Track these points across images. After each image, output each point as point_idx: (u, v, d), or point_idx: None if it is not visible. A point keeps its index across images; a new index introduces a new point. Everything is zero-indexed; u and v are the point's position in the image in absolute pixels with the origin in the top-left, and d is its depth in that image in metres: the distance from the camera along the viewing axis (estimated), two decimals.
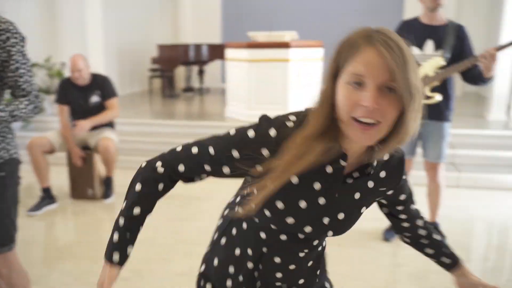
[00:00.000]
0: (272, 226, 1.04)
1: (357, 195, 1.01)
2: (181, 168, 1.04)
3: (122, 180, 4.44)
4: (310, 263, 1.16)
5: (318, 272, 1.21)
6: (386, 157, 0.99)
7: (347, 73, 0.84)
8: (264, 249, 1.09)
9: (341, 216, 1.02)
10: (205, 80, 9.77)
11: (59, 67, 6.93)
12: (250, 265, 1.12)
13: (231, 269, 1.15)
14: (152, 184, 1.05)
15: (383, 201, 1.15)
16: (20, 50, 1.71)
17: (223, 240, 1.18)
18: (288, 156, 0.89)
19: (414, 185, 3.64)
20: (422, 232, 1.21)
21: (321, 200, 0.98)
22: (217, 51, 8.72)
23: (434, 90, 2.74)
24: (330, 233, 1.05)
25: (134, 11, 9.40)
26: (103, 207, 3.89)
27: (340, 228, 1.05)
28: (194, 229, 3.39)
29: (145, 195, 1.06)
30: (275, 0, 9.67)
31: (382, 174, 1.01)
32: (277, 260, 1.10)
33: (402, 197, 1.12)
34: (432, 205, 3.07)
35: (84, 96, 3.92)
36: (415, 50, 2.77)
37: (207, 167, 1.01)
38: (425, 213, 3.16)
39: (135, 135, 5.53)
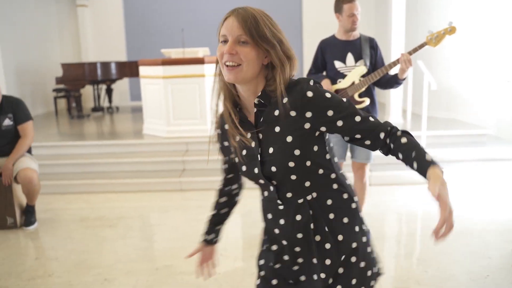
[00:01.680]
0: (251, 183, 1.34)
1: (276, 129, 1.23)
2: None
3: (42, 206, 4.26)
4: (298, 217, 1.28)
5: (312, 226, 1.27)
6: (284, 90, 1.21)
7: (220, 37, 1.21)
8: (263, 208, 1.40)
9: (271, 150, 1.23)
10: (113, 98, 9.53)
11: None
12: (265, 223, 1.42)
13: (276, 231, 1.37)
14: None
15: (324, 128, 1.21)
16: None
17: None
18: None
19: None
20: (392, 145, 1.21)
21: (253, 144, 1.26)
22: (125, 69, 8.59)
23: (361, 95, 3.09)
24: (273, 168, 1.23)
25: (31, 29, 8.90)
26: (26, 235, 3.68)
27: (275, 161, 1.23)
28: (129, 247, 3.36)
29: None
30: (183, 17, 9.79)
31: (284, 100, 1.19)
32: (269, 216, 1.36)
33: (330, 113, 1.18)
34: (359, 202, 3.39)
35: None
36: (339, 64, 3.09)
37: (227, 175, 1.54)
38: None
39: (48, 159, 5.26)
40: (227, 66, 1.18)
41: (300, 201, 1.27)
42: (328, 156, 1.28)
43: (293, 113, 1.19)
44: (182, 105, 5.63)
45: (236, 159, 1.33)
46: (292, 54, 1.23)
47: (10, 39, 7.95)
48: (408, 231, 3.72)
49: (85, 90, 9.33)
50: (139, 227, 3.83)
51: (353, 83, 3.07)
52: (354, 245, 1.31)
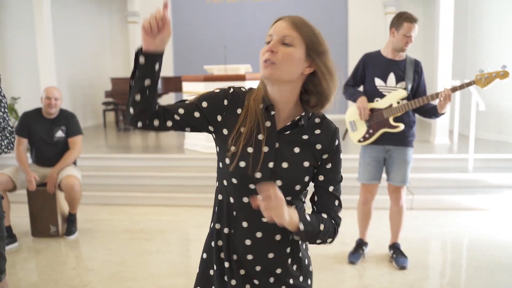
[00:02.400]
0: (233, 180, 1.23)
1: (296, 149, 1.23)
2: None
3: (84, 217, 4.39)
4: (277, 236, 1.26)
5: (288, 251, 1.29)
6: (317, 120, 1.26)
7: (266, 37, 1.21)
8: (234, 213, 1.27)
9: (285, 165, 1.21)
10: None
11: (10, 102, 6.74)
12: (226, 230, 1.29)
13: (212, 241, 1.34)
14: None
15: (315, 170, 1.27)
16: None
17: (211, 224, 1.36)
18: (243, 111, 1.24)
19: (379, 209, 3.81)
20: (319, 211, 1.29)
21: (265, 149, 1.21)
22: (171, 84, 8.81)
23: (396, 119, 2.99)
24: (278, 182, 1.20)
25: (86, 44, 9.35)
26: (66, 244, 3.80)
27: (286, 175, 1.21)
28: (163, 262, 3.39)
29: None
30: (226, 34, 9.96)
31: (317, 131, 1.25)
32: (245, 224, 1.26)
33: (329, 165, 1.26)
34: (394, 227, 3.27)
35: (48, 130, 3.87)
36: (379, 82, 3.02)
37: (181, 110, 1.26)
38: (387, 235, 3.36)
39: (93, 170, 5.45)
40: (265, 62, 1.16)
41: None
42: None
43: (318, 147, 1.25)
44: None
45: (232, 148, 1.22)
46: (335, 72, 1.21)
47: (64, 54, 8.37)
48: (452, 260, 3.53)
49: None
50: (175, 242, 3.86)
51: (390, 105, 2.98)
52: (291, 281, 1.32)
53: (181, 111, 1.25)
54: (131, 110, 1.20)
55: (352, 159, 4.98)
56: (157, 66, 1.18)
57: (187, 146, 6.22)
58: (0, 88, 1.79)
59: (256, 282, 1.29)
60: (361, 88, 3.22)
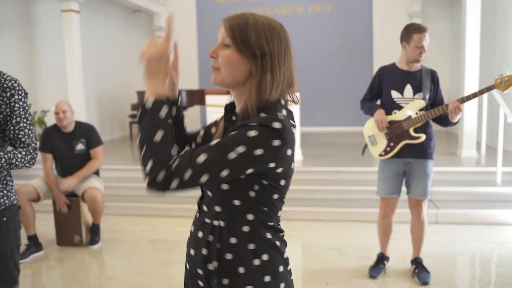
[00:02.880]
0: None
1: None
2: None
3: (108, 227, 4.47)
4: (200, 234, 1.23)
5: (203, 252, 1.20)
6: (262, 114, 1.11)
7: None
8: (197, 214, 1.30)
9: None
10: (185, 125, 9.90)
11: (40, 115, 6.96)
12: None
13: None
14: None
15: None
16: (22, 106, 1.83)
17: None
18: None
19: (401, 223, 3.73)
20: None
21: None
22: (195, 97, 8.91)
23: (416, 130, 2.95)
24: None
25: (114, 59, 9.60)
26: (90, 253, 3.87)
27: None
28: (183, 273, 3.39)
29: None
30: None
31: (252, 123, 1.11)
32: (197, 215, 1.30)
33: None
34: (416, 241, 3.19)
35: (68, 144, 3.97)
36: (396, 94, 2.99)
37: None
38: (410, 250, 3.29)
39: (117, 181, 5.55)
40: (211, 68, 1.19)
41: (208, 221, 1.21)
42: (253, 194, 1.14)
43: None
44: None
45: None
46: (276, 71, 1.13)
47: (93, 68, 8.61)
48: (478, 277, 3.41)
49: None
50: None
51: (409, 116, 2.94)
52: None
53: (198, 132, 1.41)
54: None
55: (370, 172, 4.95)
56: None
57: None
58: (26, 105, 1.86)
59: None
60: (378, 102, 3.19)
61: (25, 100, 1.85)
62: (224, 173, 1.05)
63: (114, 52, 9.72)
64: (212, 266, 1.18)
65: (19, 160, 1.80)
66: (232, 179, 1.09)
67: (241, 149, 1.04)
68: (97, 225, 4.03)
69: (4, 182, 1.87)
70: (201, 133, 1.39)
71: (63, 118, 3.88)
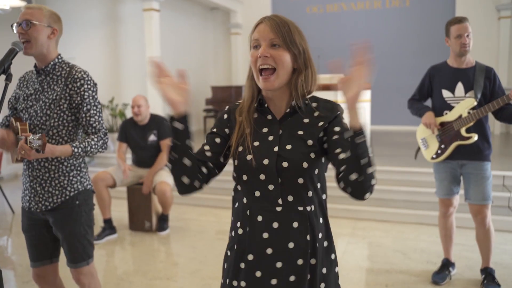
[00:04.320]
0: (244, 177, 1.28)
1: (300, 132, 1.27)
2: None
3: (176, 215, 4.69)
4: (295, 224, 1.25)
5: (308, 238, 1.25)
6: (314, 104, 1.31)
7: (251, 43, 1.29)
8: (248, 211, 1.29)
9: (288, 146, 1.25)
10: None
11: (121, 108, 7.44)
12: (240, 231, 1.31)
13: (228, 250, 1.37)
14: None
15: (325, 137, 1.28)
16: (91, 95, 1.99)
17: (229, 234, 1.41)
18: (240, 119, 1.32)
19: (471, 229, 3.48)
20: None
21: (270, 138, 1.28)
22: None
23: (469, 130, 2.77)
24: (285, 163, 1.23)
25: (191, 55, 9.99)
26: (158, 239, 4.10)
27: (290, 156, 1.24)
28: None
29: None
30: (323, 44, 9.94)
31: (315, 114, 1.29)
32: (259, 218, 1.27)
33: (337, 128, 1.27)
34: (483, 250, 2.97)
35: (142, 135, 4.22)
36: (447, 93, 2.83)
37: (206, 147, 1.33)
38: (479, 258, 3.09)
39: None
40: (262, 71, 1.24)
41: (300, 208, 1.26)
42: (325, 175, 1.33)
43: (320, 124, 1.28)
44: None
45: (240, 148, 1.29)
46: (313, 66, 1.30)
47: (171, 63, 9.00)
48: None
49: None
50: None
51: (460, 116, 2.78)
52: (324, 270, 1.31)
53: (207, 147, 1.32)
54: (180, 190, 1.30)
55: (427, 173, 4.71)
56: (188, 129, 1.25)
57: None
58: (96, 94, 2.02)
59: (273, 282, 1.26)
60: (429, 102, 3.04)
61: (94, 89, 2.01)
62: None
63: (192, 48, 10.11)
64: (313, 249, 1.28)
65: (93, 147, 1.96)
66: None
67: None
68: (166, 215, 4.25)
69: (79, 168, 2.06)
70: (207, 148, 1.32)
71: (137, 112, 4.14)
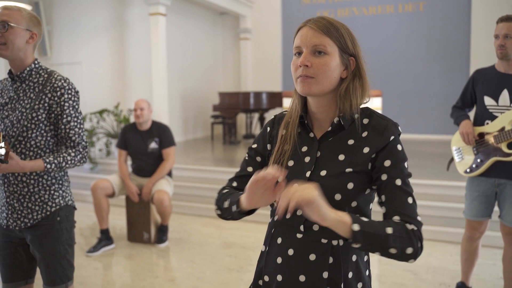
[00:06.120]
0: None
1: (341, 157, 1.11)
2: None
3: (177, 226, 4.52)
4: (312, 257, 1.11)
5: (325, 276, 1.10)
6: (366, 120, 1.14)
7: (293, 49, 1.14)
8: (272, 230, 1.20)
9: (323, 173, 1.11)
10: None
11: (126, 114, 7.32)
12: (263, 248, 1.23)
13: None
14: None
15: (374, 170, 1.11)
16: (72, 105, 1.83)
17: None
18: (283, 133, 1.20)
19: (489, 247, 3.23)
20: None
21: (307, 159, 1.15)
22: (276, 99, 8.85)
23: (510, 146, 2.49)
24: None
25: (199, 60, 9.86)
26: (157, 251, 3.93)
27: (322, 185, 1.07)
28: (242, 281, 3.30)
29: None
30: None
31: (364, 134, 1.12)
32: (279, 240, 1.16)
33: (387, 163, 1.09)
34: (507, 273, 2.68)
35: (143, 141, 4.08)
36: (489, 101, 2.57)
37: (250, 168, 1.25)
38: (499, 282, 2.85)
39: (192, 181, 5.62)
40: (300, 77, 1.11)
41: (324, 241, 1.11)
42: (371, 206, 1.17)
43: (366, 150, 1.10)
44: None
45: (272, 160, 1.19)
46: (365, 75, 1.15)
47: (178, 68, 8.91)
48: None
49: (239, 117, 9.91)
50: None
51: (502, 128, 2.49)
52: None
53: (250, 169, 1.25)
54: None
55: (456, 186, 4.48)
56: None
57: None
58: (77, 104, 1.87)
59: None
60: (473, 110, 2.77)
61: (75, 99, 1.86)
62: None
63: (200, 53, 9.99)
64: None
65: (69, 162, 1.80)
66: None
67: (406, 170, 1.11)
68: (165, 225, 4.09)
69: (60, 182, 1.90)
70: (250, 169, 1.26)
71: (140, 115, 4.01)
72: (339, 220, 0.98)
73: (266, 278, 1.18)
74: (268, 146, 1.24)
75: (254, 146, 1.27)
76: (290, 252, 1.13)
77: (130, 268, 3.60)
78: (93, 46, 8.23)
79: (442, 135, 8.46)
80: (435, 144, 8.03)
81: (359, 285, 1.14)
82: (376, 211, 1.25)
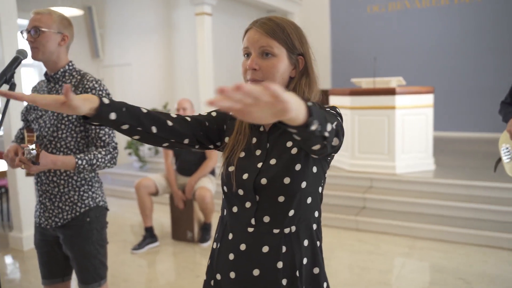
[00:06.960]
0: (225, 189, 1.17)
1: (289, 144, 1.12)
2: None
3: None
4: (265, 249, 1.10)
5: (279, 266, 1.10)
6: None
7: (242, 50, 1.14)
8: (225, 225, 1.19)
9: (273, 161, 1.12)
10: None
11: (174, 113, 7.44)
12: (214, 245, 1.22)
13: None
14: None
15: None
16: None
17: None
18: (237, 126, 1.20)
19: None
20: None
21: (257, 152, 1.15)
22: (324, 97, 8.69)
23: None
24: (263, 180, 1.10)
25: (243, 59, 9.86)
26: (200, 250, 3.95)
27: (272, 171, 1.10)
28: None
29: None
30: (380, 46, 9.43)
31: None
32: (230, 236, 1.15)
33: None
34: None
35: None
36: None
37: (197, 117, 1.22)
38: None
39: None
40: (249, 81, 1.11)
41: (276, 231, 1.11)
42: (321, 189, 1.17)
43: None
44: (369, 138, 5.30)
45: (230, 156, 1.19)
46: (313, 73, 1.15)
47: (224, 67, 8.95)
48: None
49: None
50: None
51: None
52: None
53: (195, 117, 1.21)
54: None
55: (494, 187, 4.23)
56: (112, 116, 1.02)
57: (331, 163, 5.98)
58: None
59: None
60: None
61: None
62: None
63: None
64: (291, 277, 1.11)
65: (99, 160, 1.82)
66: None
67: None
68: (208, 223, 4.10)
69: (90, 183, 1.93)
70: (196, 118, 1.21)
71: (182, 114, 4.04)
72: (300, 101, 0.82)
73: (218, 276, 1.17)
74: (224, 126, 1.24)
75: (213, 114, 1.24)
76: (242, 247, 1.12)
77: (173, 267, 3.64)
78: (142, 48, 8.44)
79: (495, 133, 7.96)
80: (487, 142, 7.56)
81: (315, 270, 1.14)
82: (327, 195, 1.16)
